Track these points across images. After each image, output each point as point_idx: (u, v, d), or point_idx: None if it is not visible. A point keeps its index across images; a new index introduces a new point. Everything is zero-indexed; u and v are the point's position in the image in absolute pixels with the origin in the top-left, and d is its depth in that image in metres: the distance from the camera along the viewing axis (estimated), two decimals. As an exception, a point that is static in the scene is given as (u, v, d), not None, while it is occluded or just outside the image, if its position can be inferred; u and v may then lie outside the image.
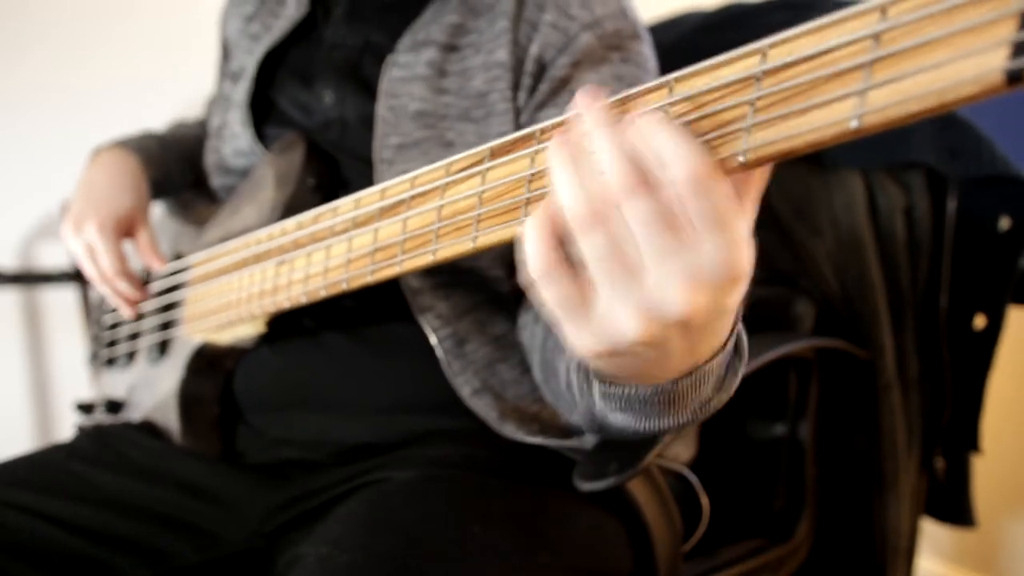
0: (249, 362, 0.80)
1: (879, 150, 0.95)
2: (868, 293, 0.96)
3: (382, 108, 0.74)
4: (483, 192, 0.47)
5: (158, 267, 0.87)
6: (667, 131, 0.36)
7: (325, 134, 0.79)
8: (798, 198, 1.01)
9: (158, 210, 1.02)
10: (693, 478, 0.81)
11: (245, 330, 0.77)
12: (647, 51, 0.76)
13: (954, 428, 0.98)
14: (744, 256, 0.36)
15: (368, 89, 0.76)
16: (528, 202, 0.44)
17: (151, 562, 0.68)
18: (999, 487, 1.33)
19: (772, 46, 0.35)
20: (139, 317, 0.90)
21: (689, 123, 0.38)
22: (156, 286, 0.88)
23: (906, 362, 0.97)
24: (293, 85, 0.82)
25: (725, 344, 0.42)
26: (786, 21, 0.35)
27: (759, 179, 0.38)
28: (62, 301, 1.47)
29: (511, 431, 0.71)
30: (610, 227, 0.37)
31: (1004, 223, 0.91)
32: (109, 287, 0.86)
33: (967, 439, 0.98)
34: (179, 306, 0.83)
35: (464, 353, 0.72)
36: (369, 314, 0.76)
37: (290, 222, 0.67)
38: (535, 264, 0.39)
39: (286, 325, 0.77)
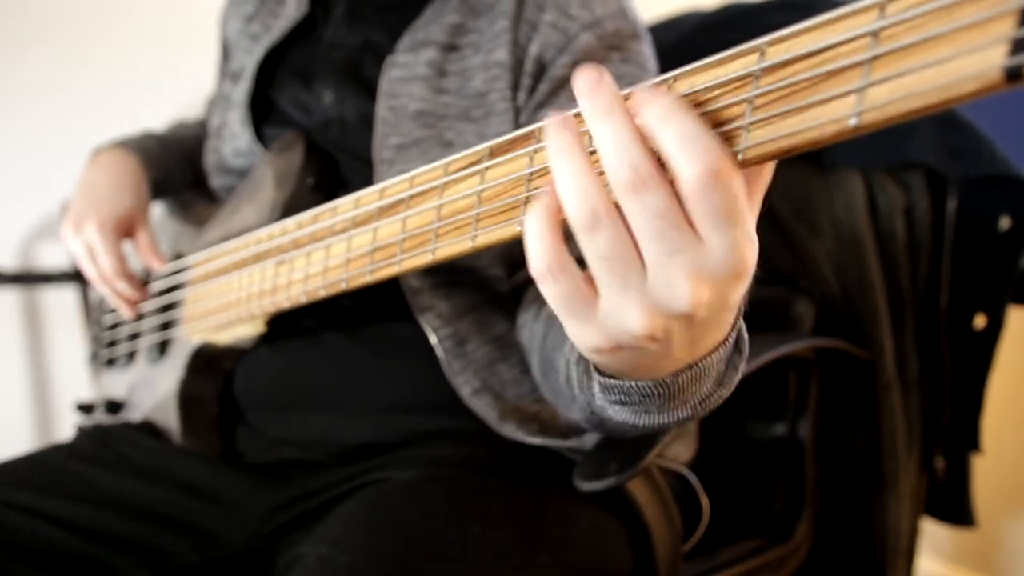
0: (249, 362, 0.80)
1: (879, 150, 0.94)
2: (868, 293, 0.96)
3: (382, 108, 0.74)
4: (482, 191, 0.47)
5: (158, 267, 0.87)
6: (683, 120, 0.34)
7: (325, 134, 0.79)
8: (798, 198, 1.01)
9: (158, 210, 1.02)
10: (693, 478, 0.81)
11: (245, 330, 0.77)
12: (647, 51, 0.76)
13: (954, 428, 0.98)
14: (751, 252, 0.36)
15: (368, 89, 0.76)
16: (527, 201, 0.44)
17: (151, 562, 0.68)
18: (999, 487, 1.33)
19: (771, 44, 0.35)
20: (139, 317, 0.90)
21: None
22: (156, 286, 0.88)
23: (906, 362, 0.97)
24: (293, 85, 0.82)
25: (726, 339, 0.42)
26: (785, 21, 0.35)
27: (765, 174, 0.38)
28: (62, 301, 1.47)
29: (511, 431, 0.71)
30: (613, 225, 0.36)
31: (1004, 223, 0.91)
32: (109, 287, 0.86)
33: (967, 439, 0.98)
34: (179, 306, 0.83)
35: (464, 353, 0.72)
36: (369, 314, 0.76)
37: (289, 222, 0.67)
38: (537, 262, 0.38)
39: (286, 325, 0.77)
